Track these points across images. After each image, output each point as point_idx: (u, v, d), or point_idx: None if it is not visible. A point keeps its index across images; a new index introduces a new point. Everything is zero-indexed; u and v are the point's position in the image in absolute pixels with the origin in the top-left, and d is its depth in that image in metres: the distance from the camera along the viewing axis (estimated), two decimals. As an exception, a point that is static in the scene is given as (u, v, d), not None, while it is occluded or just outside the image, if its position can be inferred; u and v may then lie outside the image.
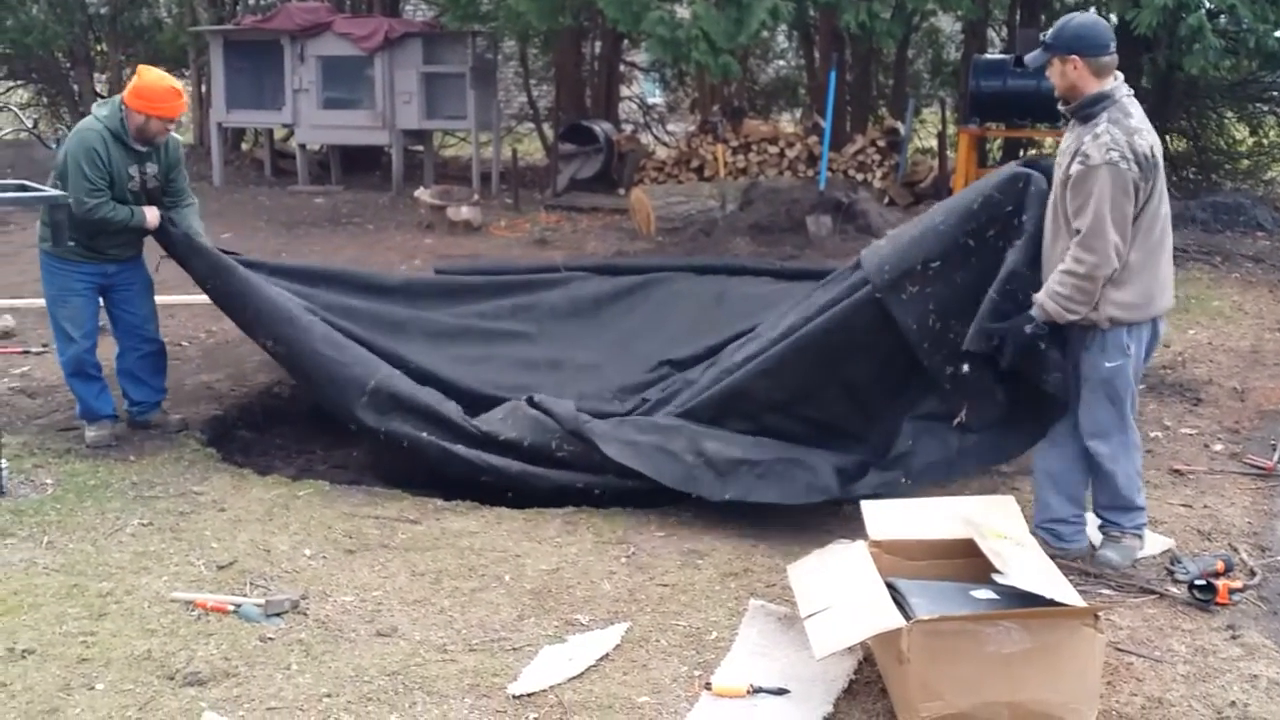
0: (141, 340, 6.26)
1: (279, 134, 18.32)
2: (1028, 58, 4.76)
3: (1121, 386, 4.60)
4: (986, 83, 13.05)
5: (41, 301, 6.33)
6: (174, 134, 6.12)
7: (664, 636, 4.16)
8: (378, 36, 15.79)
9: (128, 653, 3.98)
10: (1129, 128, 4.43)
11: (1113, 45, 4.56)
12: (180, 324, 8.30)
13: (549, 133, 18.81)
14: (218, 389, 7.00)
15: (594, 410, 5.76)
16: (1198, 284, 10.20)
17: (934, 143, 16.84)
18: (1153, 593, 4.49)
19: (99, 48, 21.06)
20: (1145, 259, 4.51)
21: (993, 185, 4.98)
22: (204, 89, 19.24)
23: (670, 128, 21.95)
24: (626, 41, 18.47)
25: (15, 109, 11.39)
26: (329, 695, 3.74)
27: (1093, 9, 14.20)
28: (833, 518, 5.14)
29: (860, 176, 14.73)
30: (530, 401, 5.69)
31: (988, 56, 14.62)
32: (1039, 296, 4.57)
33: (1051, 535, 4.77)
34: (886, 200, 14.10)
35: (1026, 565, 3.86)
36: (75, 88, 20.46)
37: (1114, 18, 12.91)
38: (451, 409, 5.73)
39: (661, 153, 17.60)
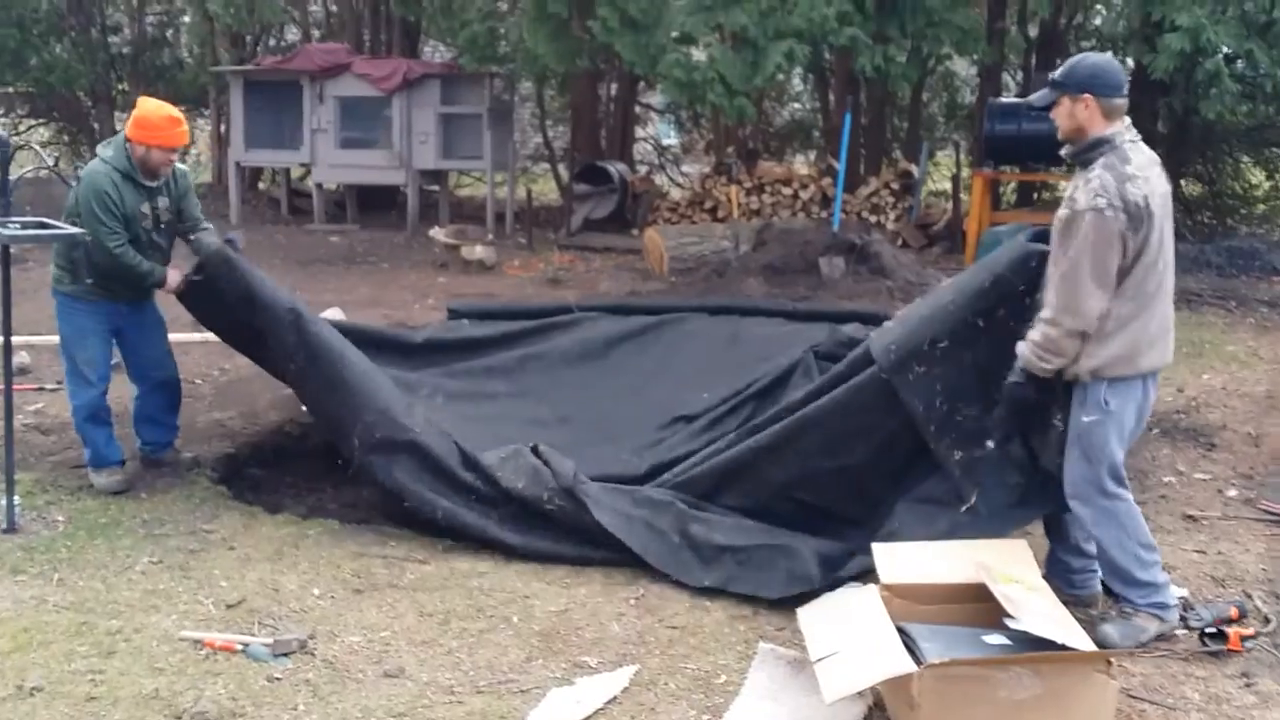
0: (157, 379, 6.24)
1: (296, 173, 18.47)
2: (1035, 96, 4.59)
3: (1098, 444, 4.33)
4: (1001, 126, 13.10)
5: (55, 338, 6.34)
6: (179, 164, 6.09)
7: (673, 679, 4.13)
8: (396, 77, 15.94)
9: (135, 691, 3.98)
10: (1122, 174, 4.22)
11: (1125, 88, 4.43)
12: (194, 361, 8.32)
13: (564, 173, 18.92)
14: (229, 426, 7.01)
15: (605, 475, 5.64)
16: (1212, 329, 10.17)
17: (948, 185, 16.90)
18: (1166, 639, 4.45)
19: (120, 87, 21.28)
20: (1136, 312, 4.28)
21: (1005, 264, 4.76)
22: (223, 128, 19.42)
23: (685, 169, 22.09)
24: (643, 83, 18.61)
25: (37, 146, 11.51)
26: (335, 736, 3.73)
27: (1109, 53, 14.25)
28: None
29: (874, 218, 14.76)
30: (534, 450, 5.62)
31: (1003, 100, 14.67)
32: (1019, 346, 4.41)
33: (1064, 582, 4.68)
34: (900, 242, 14.12)
35: (1038, 610, 3.83)
36: (96, 126, 20.67)
37: (1130, 62, 12.99)
38: (454, 459, 5.60)
39: (675, 194, 17.70)
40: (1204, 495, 6.12)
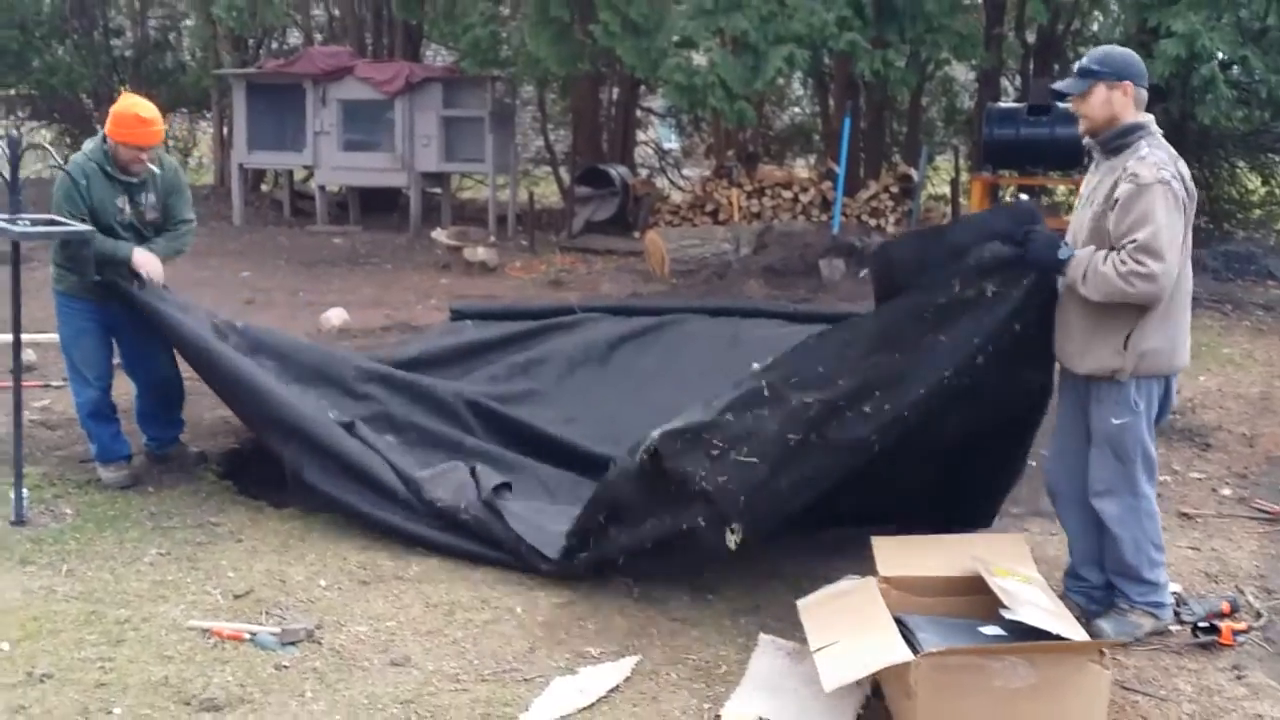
0: (153, 379, 6.23)
1: (299, 175, 18.53)
2: (1062, 84, 4.54)
3: (1131, 445, 4.37)
4: (1000, 131, 13.14)
5: (58, 336, 6.37)
6: (171, 160, 6.07)
7: (674, 670, 4.20)
8: (399, 81, 16.01)
9: (145, 678, 4.04)
10: (1172, 153, 4.30)
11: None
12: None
13: (565, 176, 18.97)
14: (235, 423, 7.02)
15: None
16: (1209, 331, 10.22)
17: (947, 189, 16.93)
18: (1159, 633, 4.51)
19: (123, 89, 21.29)
20: (1174, 303, 4.32)
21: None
22: (225, 130, 19.47)
23: (685, 172, 22.11)
24: (644, 87, 18.66)
25: (47, 144, 11.51)
26: (342, 722, 3.79)
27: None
28: (842, 556, 5.16)
29: (874, 222, 14.80)
30: (471, 471, 5.55)
31: (1001, 105, 14.73)
32: (1081, 253, 4.28)
33: (1082, 596, 4.66)
34: (899, 246, 14.15)
35: (1034, 602, 3.90)
36: (98, 128, 20.63)
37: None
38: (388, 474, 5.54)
39: (676, 197, 17.74)
40: (1199, 494, 6.20)
